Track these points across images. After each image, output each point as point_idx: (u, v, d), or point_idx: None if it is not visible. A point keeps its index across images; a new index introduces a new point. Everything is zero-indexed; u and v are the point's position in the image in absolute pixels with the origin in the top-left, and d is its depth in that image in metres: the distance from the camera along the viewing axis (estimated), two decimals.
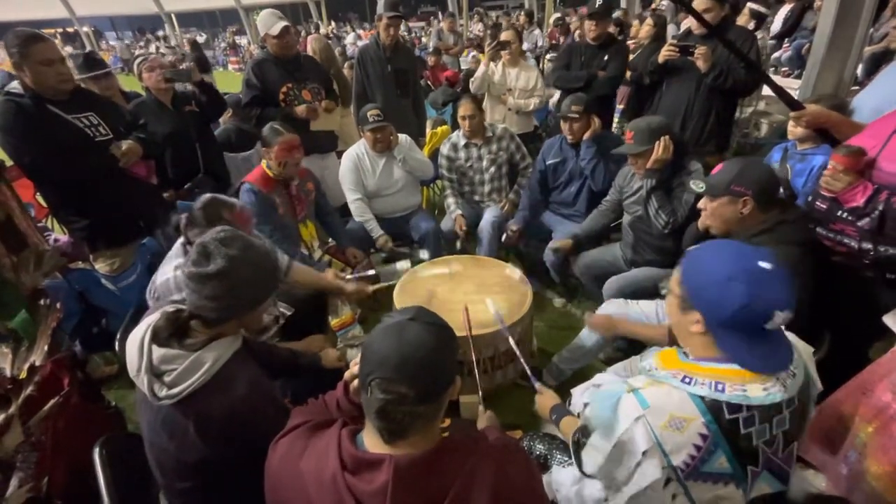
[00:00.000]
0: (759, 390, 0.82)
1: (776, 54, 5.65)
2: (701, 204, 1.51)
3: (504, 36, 3.37)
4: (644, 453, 0.83)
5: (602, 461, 0.90)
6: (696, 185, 1.52)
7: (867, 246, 1.43)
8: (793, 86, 4.55)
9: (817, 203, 1.58)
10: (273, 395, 1.12)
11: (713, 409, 0.82)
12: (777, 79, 5.19)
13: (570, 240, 2.25)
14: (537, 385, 1.35)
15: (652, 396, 0.86)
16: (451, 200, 2.74)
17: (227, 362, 0.99)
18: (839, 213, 1.49)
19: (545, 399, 1.29)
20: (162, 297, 1.42)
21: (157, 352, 0.96)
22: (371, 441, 0.77)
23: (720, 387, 0.82)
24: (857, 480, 1.17)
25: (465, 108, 2.55)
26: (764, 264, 0.83)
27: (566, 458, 1.22)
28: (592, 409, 0.95)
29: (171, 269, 1.45)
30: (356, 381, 0.82)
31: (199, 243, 1.01)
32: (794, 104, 1.73)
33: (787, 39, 5.76)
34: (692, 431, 0.82)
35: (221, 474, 0.99)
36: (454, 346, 0.80)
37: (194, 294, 0.99)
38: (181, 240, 1.53)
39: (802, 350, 0.97)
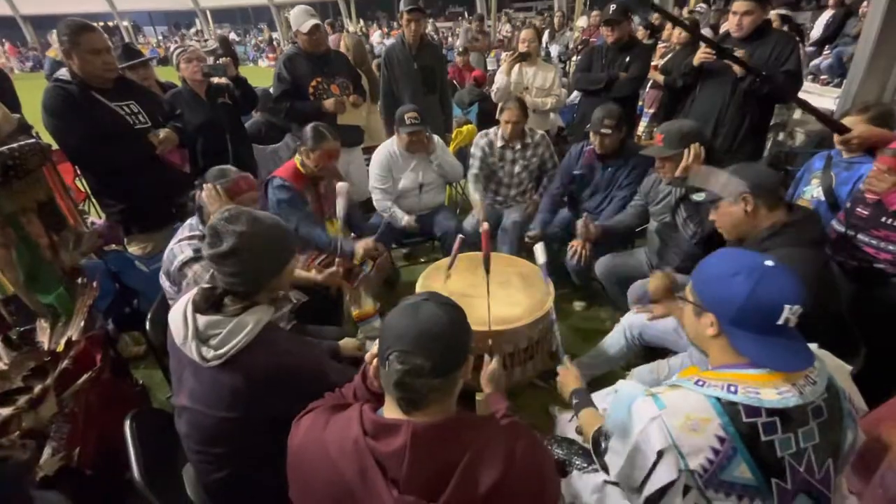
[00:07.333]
0: (772, 394, 0.81)
1: (815, 62, 5.44)
2: (711, 216, 1.48)
3: (523, 37, 3.31)
4: (659, 454, 0.83)
5: (622, 463, 0.90)
6: (698, 196, 1.50)
7: None
8: (832, 94, 4.38)
9: (858, 209, 1.56)
10: (315, 353, 1.18)
11: (730, 410, 0.81)
12: (815, 87, 5.03)
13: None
14: (565, 359, 1.36)
15: (668, 399, 0.86)
16: (477, 197, 2.64)
17: (265, 326, 1.05)
18: (883, 218, 1.47)
19: (569, 378, 1.28)
20: (167, 269, 1.52)
21: (202, 319, 1.03)
22: (391, 411, 0.82)
23: (733, 388, 0.82)
24: None
25: (510, 113, 2.52)
26: (768, 262, 0.86)
27: (586, 464, 1.20)
28: (610, 414, 0.95)
29: (174, 242, 1.54)
30: (376, 361, 0.87)
31: (209, 226, 1.08)
32: (839, 128, 1.68)
33: (827, 46, 5.54)
34: (709, 433, 0.80)
35: (258, 437, 1.04)
36: (466, 324, 0.84)
37: (219, 274, 1.06)
38: (190, 220, 1.60)
39: (835, 367, 0.95)
